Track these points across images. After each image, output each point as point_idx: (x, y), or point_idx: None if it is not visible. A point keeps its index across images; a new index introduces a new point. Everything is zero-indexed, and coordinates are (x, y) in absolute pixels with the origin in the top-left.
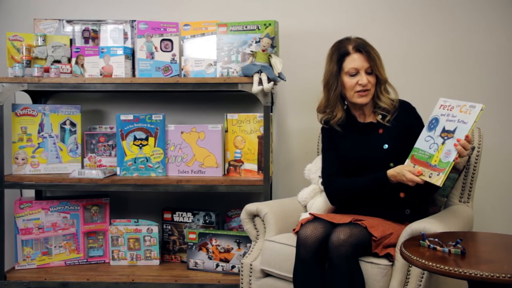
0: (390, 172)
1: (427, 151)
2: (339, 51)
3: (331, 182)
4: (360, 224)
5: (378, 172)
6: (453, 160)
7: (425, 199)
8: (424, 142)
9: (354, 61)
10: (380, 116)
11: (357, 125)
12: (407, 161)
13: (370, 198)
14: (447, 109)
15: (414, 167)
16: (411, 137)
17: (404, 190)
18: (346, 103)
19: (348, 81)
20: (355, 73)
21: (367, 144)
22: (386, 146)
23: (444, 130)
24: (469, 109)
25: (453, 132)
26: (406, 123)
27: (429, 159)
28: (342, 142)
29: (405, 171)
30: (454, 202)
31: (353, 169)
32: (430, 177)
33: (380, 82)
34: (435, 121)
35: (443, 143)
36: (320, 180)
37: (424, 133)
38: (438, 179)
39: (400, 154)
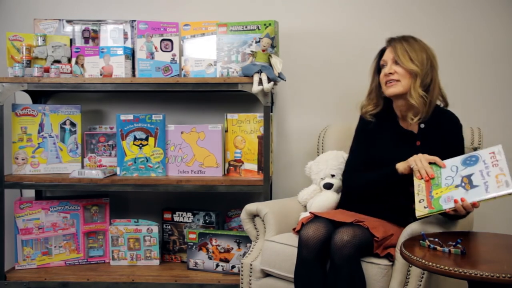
0: (400, 164)
1: (443, 180)
2: (381, 49)
3: (350, 177)
4: (362, 225)
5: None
6: (445, 210)
7: None
8: (449, 170)
9: (385, 54)
10: (422, 125)
11: (396, 128)
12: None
13: (380, 195)
14: (492, 162)
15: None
16: (444, 150)
17: (387, 191)
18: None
19: (381, 74)
20: (384, 65)
21: (401, 154)
22: None
23: (468, 177)
24: (502, 183)
25: (472, 187)
26: (445, 137)
27: (435, 186)
28: (378, 140)
29: (416, 159)
30: None
31: (376, 170)
32: (419, 201)
33: (411, 75)
34: (474, 160)
35: (456, 186)
36: (322, 182)
37: (457, 160)
38: (419, 211)
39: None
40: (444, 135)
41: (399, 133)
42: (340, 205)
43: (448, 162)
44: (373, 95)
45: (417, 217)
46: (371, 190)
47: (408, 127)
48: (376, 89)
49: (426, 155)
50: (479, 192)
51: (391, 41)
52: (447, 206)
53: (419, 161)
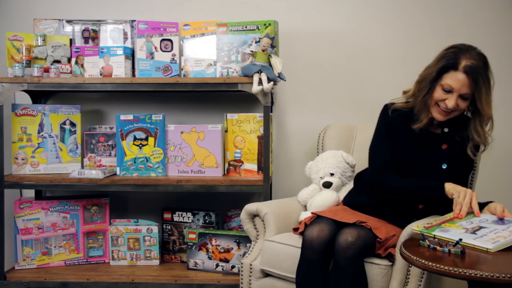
0: (448, 186)
1: (463, 221)
2: (450, 60)
3: (382, 178)
4: (365, 225)
5: (434, 182)
6: (434, 235)
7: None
8: (477, 219)
9: (455, 80)
10: (446, 129)
11: (422, 128)
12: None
13: (416, 202)
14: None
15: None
16: (463, 164)
17: (422, 202)
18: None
19: (438, 92)
20: (449, 90)
21: (426, 155)
22: (445, 166)
23: (480, 227)
24: (494, 240)
25: (473, 233)
26: (467, 151)
27: (451, 222)
28: (403, 138)
29: (467, 193)
30: None
31: (402, 170)
32: (428, 222)
33: (481, 115)
34: (505, 222)
35: (463, 227)
36: (322, 181)
37: (492, 216)
38: (418, 226)
39: (456, 176)
40: (464, 150)
41: (425, 134)
42: (345, 202)
43: (484, 216)
44: (422, 108)
45: (412, 231)
46: (408, 197)
47: (433, 129)
48: (422, 100)
49: (475, 197)
50: (470, 237)
51: (469, 70)
52: (439, 234)
53: (463, 197)
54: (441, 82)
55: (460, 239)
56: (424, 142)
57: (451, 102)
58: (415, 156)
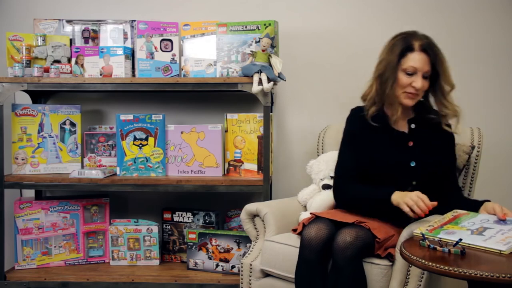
0: (394, 197)
1: (465, 222)
2: (404, 44)
3: (342, 185)
4: (364, 225)
5: (385, 190)
6: (440, 239)
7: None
8: (479, 220)
9: (416, 60)
10: (413, 126)
11: (387, 128)
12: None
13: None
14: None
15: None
16: (439, 161)
17: (378, 213)
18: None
19: (402, 78)
20: (412, 72)
21: (393, 154)
22: (413, 163)
23: (485, 228)
24: (504, 242)
25: (479, 234)
26: (439, 144)
27: (454, 223)
28: (370, 142)
29: (407, 198)
30: None
31: (371, 172)
32: (429, 225)
33: (442, 89)
34: (508, 222)
35: (467, 229)
36: (322, 183)
37: (493, 216)
38: (419, 230)
39: (425, 175)
40: (439, 139)
41: (391, 134)
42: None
43: (485, 217)
44: (378, 97)
45: (413, 234)
46: (363, 208)
47: (397, 126)
48: (391, 91)
49: (420, 195)
50: (479, 238)
51: (425, 47)
52: (444, 237)
53: (409, 200)
54: (402, 67)
55: (460, 239)
56: (392, 142)
57: (418, 82)
58: (383, 157)
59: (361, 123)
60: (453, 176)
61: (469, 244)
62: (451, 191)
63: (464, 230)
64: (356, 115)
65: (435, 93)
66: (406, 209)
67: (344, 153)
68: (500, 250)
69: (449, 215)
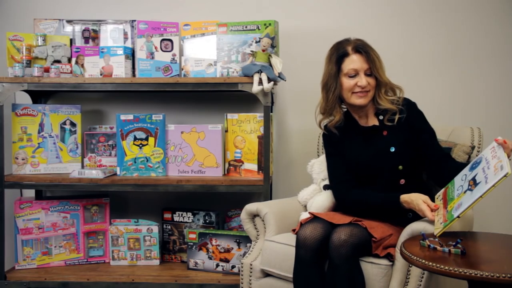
0: (404, 197)
1: (455, 191)
2: (338, 52)
3: (344, 193)
4: (360, 224)
5: (391, 192)
6: (458, 216)
7: None
8: (459, 180)
9: (353, 62)
10: (381, 117)
11: (359, 129)
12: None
13: (381, 214)
14: (492, 155)
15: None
16: (417, 137)
17: (384, 214)
18: (344, 106)
19: (346, 82)
20: (354, 74)
21: (373, 148)
22: (393, 149)
23: (473, 179)
24: (498, 168)
25: (476, 185)
26: (410, 123)
27: (450, 200)
28: (346, 147)
29: (420, 201)
30: None
31: (361, 174)
32: (438, 220)
33: (380, 84)
34: (478, 162)
35: (464, 192)
36: (323, 183)
37: (466, 169)
38: (437, 229)
39: (408, 156)
40: (405, 118)
41: (363, 131)
42: (337, 207)
43: (461, 173)
44: (333, 105)
45: (436, 235)
46: (374, 211)
47: (367, 123)
48: (337, 99)
49: (415, 195)
50: (481, 187)
51: (358, 48)
52: (457, 212)
53: (416, 205)
54: (343, 72)
55: (460, 239)
56: (367, 137)
57: (362, 80)
58: (365, 152)
59: (335, 136)
60: (436, 144)
61: (481, 196)
62: (439, 160)
63: (463, 195)
64: (328, 131)
65: (377, 88)
66: (423, 206)
67: (331, 163)
68: (505, 174)
69: (438, 201)
